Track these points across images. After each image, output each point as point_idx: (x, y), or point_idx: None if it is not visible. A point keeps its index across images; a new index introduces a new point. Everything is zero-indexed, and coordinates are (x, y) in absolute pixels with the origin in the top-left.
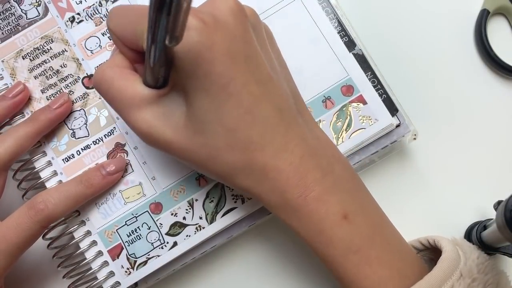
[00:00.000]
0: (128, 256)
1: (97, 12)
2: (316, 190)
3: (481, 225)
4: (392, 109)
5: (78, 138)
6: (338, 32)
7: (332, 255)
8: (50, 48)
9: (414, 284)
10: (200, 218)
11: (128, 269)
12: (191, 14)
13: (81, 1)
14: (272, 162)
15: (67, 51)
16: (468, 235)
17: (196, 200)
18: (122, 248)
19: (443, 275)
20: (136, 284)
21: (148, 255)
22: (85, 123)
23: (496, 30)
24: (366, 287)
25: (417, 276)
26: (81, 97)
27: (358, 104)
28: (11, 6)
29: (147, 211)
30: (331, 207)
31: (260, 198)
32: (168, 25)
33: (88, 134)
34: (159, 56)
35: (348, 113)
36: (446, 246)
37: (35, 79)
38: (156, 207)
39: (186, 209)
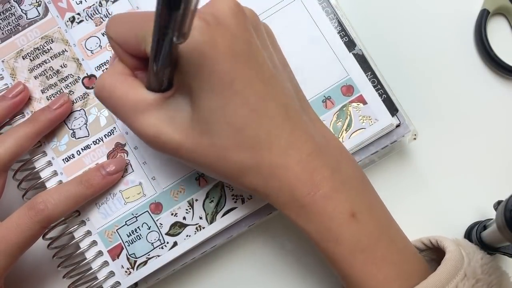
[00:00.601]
0: (128, 256)
1: (97, 12)
2: (324, 188)
3: (481, 225)
4: (392, 109)
5: (78, 138)
6: (338, 32)
7: (338, 254)
8: (50, 48)
9: (418, 284)
10: (200, 218)
11: (128, 269)
12: None
13: (81, 1)
14: (279, 160)
15: (67, 51)
16: (468, 235)
17: (196, 200)
18: (122, 248)
19: (448, 275)
20: (136, 284)
21: (148, 255)
22: (85, 123)
23: (496, 30)
24: (371, 287)
25: (421, 276)
26: (81, 97)
27: (358, 104)
28: (11, 6)
29: (147, 211)
30: (339, 205)
31: (268, 197)
32: (177, 21)
33: (88, 134)
34: (165, 56)
35: (348, 113)
36: (449, 246)
37: (35, 79)
38: (156, 207)
39: (186, 209)
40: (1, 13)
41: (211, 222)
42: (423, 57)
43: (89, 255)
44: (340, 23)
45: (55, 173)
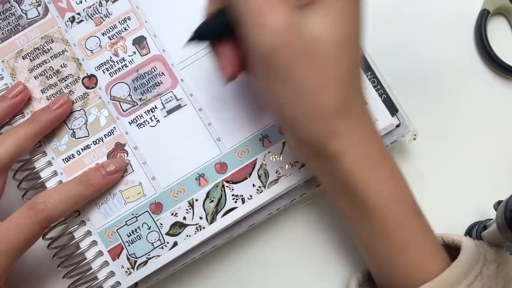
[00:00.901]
0: (128, 256)
1: (97, 12)
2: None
3: (481, 225)
4: (392, 109)
5: (78, 138)
6: None
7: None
8: (50, 48)
9: (449, 266)
10: (200, 218)
11: (128, 269)
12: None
13: (81, 1)
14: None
15: (67, 51)
16: (468, 235)
17: (196, 200)
18: (122, 248)
19: (473, 260)
20: (136, 284)
21: (148, 255)
22: (85, 123)
23: (496, 30)
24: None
25: (446, 262)
26: (81, 97)
27: None
28: (11, 6)
29: (147, 211)
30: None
31: (340, 155)
32: None
33: (88, 134)
34: None
35: None
36: (464, 241)
37: (35, 79)
38: (156, 207)
39: (186, 209)
40: (1, 13)
41: (211, 222)
42: (423, 57)
43: (89, 255)
44: None
45: (55, 173)
